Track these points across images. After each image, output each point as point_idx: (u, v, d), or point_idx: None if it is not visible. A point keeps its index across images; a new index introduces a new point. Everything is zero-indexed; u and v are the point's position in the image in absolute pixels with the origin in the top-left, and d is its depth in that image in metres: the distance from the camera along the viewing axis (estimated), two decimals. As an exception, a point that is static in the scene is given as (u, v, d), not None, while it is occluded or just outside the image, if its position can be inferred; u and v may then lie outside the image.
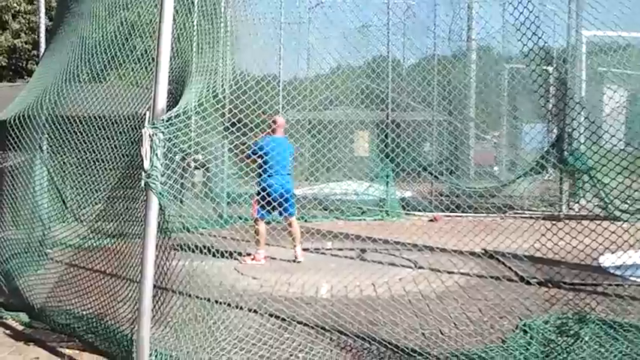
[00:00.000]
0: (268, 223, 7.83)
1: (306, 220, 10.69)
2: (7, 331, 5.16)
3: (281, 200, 7.34)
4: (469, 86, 13.03)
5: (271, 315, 5.43)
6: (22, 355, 4.60)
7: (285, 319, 5.31)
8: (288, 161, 7.71)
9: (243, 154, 7.78)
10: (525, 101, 12.82)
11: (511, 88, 13.08)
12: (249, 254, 7.83)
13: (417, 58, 13.42)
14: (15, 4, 29.43)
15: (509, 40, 12.38)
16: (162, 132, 4.11)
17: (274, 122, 7.90)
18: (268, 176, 7.54)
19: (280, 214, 7.73)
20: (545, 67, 5.09)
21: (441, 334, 5.02)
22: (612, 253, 5.35)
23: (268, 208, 7.49)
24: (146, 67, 6.41)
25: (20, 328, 5.25)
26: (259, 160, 7.63)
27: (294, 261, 7.73)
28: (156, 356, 4.17)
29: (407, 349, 4.51)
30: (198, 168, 9.67)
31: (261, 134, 7.72)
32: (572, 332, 4.63)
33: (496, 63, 13.14)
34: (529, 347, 4.54)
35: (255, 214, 7.73)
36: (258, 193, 7.53)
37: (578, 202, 10.11)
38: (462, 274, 6.94)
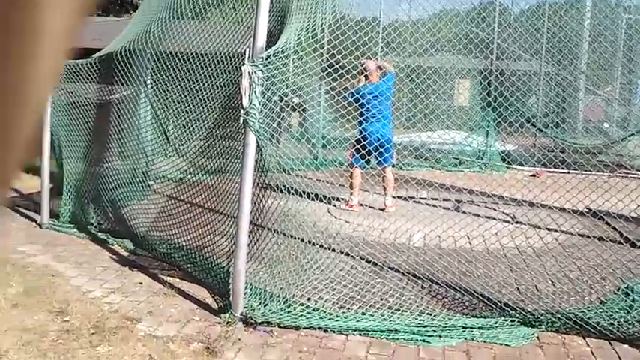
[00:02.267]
0: (363, 169, 7.75)
1: (401, 168, 10.56)
2: (114, 256, 5.45)
3: (377, 147, 7.22)
4: (582, 36, 12.26)
5: (363, 259, 5.44)
6: (127, 279, 4.85)
7: (376, 264, 5.30)
8: (385, 107, 7.47)
9: (346, 101, 7.58)
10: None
11: (628, 39, 12.23)
12: (342, 199, 7.85)
13: (526, 3, 12.74)
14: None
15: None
16: (262, 70, 4.12)
17: (365, 69, 7.55)
18: (364, 123, 7.41)
19: (377, 161, 7.60)
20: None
21: (537, 290, 4.87)
22: None
23: (362, 154, 7.36)
24: (248, 5, 6.41)
25: (125, 254, 5.54)
26: (357, 106, 7.47)
27: (382, 210, 7.67)
28: (250, 289, 4.29)
29: (500, 302, 4.40)
30: (295, 109, 9.71)
31: (358, 77, 7.58)
32: (678, 299, 4.37)
33: (613, 12, 12.28)
34: (630, 310, 4.34)
35: (350, 159, 7.68)
36: (356, 140, 7.45)
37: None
38: (562, 231, 6.66)
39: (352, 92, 7.50)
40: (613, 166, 9.47)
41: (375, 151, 7.25)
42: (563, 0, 12.64)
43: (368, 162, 7.56)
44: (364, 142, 7.19)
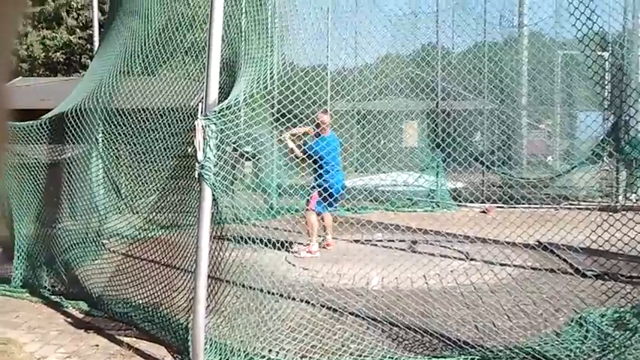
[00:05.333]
0: (318, 214, 7.87)
1: (355, 212, 10.68)
2: (68, 319, 5.33)
3: (338, 196, 7.55)
4: (521, 74, 12.76)
5: (323, 305, 5.46)
6: (82, 342, 4.74)
7: (336, 310, 5.33)
8: (339, 157, 7.81)
9: (300, 152, 7.75)
10: (580, 88, 12.50)
11: (565, 75, 12.76)
12: (300, 243, 7.89)
13: (467, 45, 13.20)
14: (73, 3, 30.42)
15: (562, 26, 12.07)
16: (215, 123, 4.17)
17: (322, 122, 7.75)
18: (329, 175, 7.60)
19: (331, 205, 7.80)
20: (600, 53, 4.95)
21: (494, 326, 4.96)
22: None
23: (329, 202, 7.59)
24: (196, 58, 6.50)
25: (80, 316, 5.42)
26: (316, 159, 7.61)
27: (324, 247, 7.88)
28: (210, 344, 4.25)
29: (459, 341, 4.47)
30: (249, 159, 9.76)
31: (310, 125, 7.71)
32: (630, 326, 4.50)
33: (549, 49, 12.82)
34: (585, 341, 4.45)
35: (313, 207, 7.75)
36: (324, 189, 7.58)
37: (635, 193, 9.83)
38: (515, 266, 6.83)
39: (309, 147, 7.65)
40: (559, 198, 9.77)
41: (336, 200, 7.52)
42: (502, 40, 13.14)
43: (330, 205, 7.76)
44: (331, 190, 7.44)
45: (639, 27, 10.51)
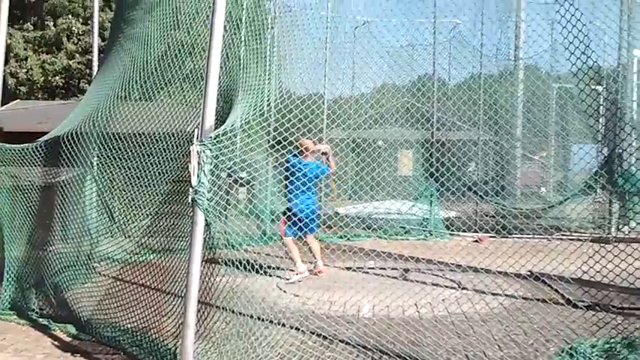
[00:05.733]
0: (296, 236, 7.92)
1: (348, 239, 10.67)
2: (56, 342, 5.29)
3: (305, 218, 7.51)
4: (516, 106, 12.87)
5: (313, 333, 5.42)
6: (69, 366, 4.71)
7: (326, 337, 5.29)
8: (314, 185, 7.88)
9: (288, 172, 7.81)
10: (574, 121, 12.60)
11: (560, 108, 12.88)
12: (292, 270, 7.88)
13: (462, 77, 13.34)
14: (74, 28, 30.74)
15: (557, 59, 12.23)
16: (210, 149, 4.19)
17: (302, 145, 7.81)
18: (297, 199, 7.68)
19: (301, 230, 7.75)
20: (594, 87, 5.01)
21: (485, 356, 4.94)
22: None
23: (298, 226, 7.57)
24: (194, 85, 6.56)
25: (68, 339, 5.38)
26: (287, 183, 7.72)
27: (315, 274, 7.86)
28: (198, 371, 4.21)
29: (449, 370, 4.45)
30: (244, 185, 9.79)
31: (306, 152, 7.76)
32: (620, 357, 4.49)
33: (544, 82, 12.96)
34: (575, 372, 4.43)
35: (283, 232, 7.83)
36: (292, 214, 7.62)
37: (627, 225, 9.85)
38: (506, 295, 6.82)
39: (294, 163, 7.67)
40: (552, 229, 9.80)
41: (305, 223, 7.51)
42: (498, 73, 13.28)
43: (300, 230, 7.70)
44: (300, 215, 7.44)
45: (633, 62, 10.63)
